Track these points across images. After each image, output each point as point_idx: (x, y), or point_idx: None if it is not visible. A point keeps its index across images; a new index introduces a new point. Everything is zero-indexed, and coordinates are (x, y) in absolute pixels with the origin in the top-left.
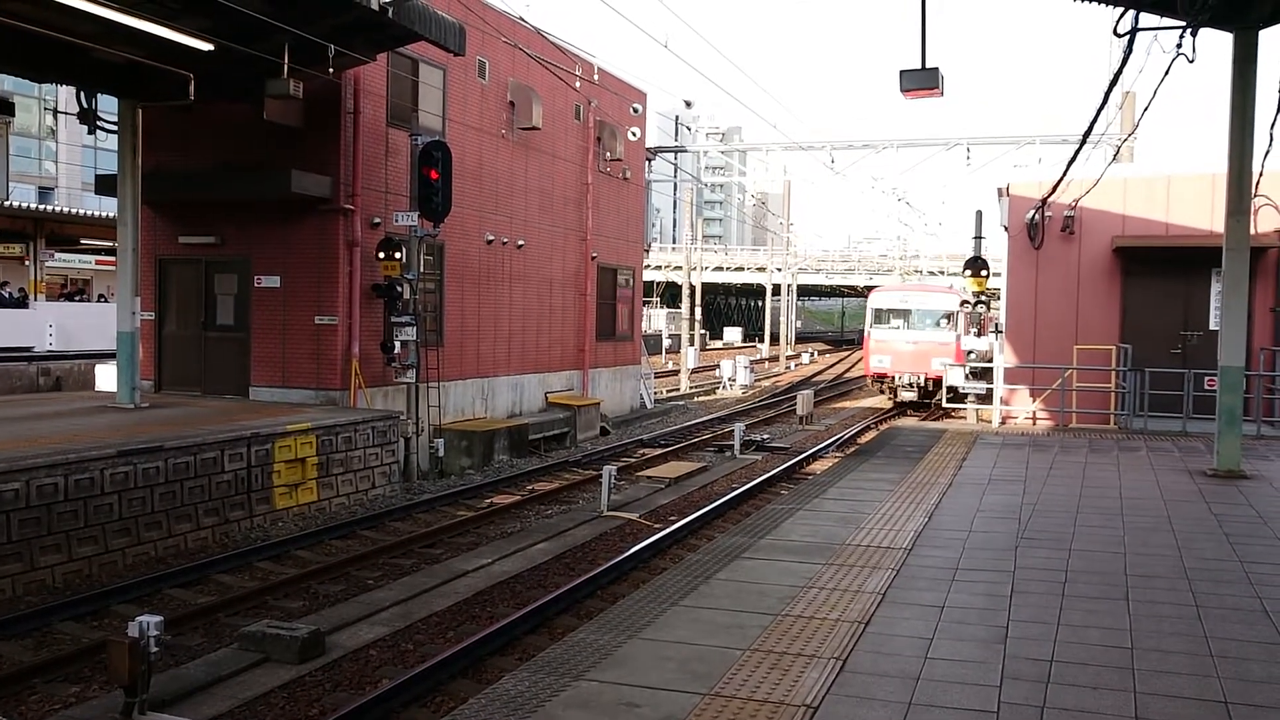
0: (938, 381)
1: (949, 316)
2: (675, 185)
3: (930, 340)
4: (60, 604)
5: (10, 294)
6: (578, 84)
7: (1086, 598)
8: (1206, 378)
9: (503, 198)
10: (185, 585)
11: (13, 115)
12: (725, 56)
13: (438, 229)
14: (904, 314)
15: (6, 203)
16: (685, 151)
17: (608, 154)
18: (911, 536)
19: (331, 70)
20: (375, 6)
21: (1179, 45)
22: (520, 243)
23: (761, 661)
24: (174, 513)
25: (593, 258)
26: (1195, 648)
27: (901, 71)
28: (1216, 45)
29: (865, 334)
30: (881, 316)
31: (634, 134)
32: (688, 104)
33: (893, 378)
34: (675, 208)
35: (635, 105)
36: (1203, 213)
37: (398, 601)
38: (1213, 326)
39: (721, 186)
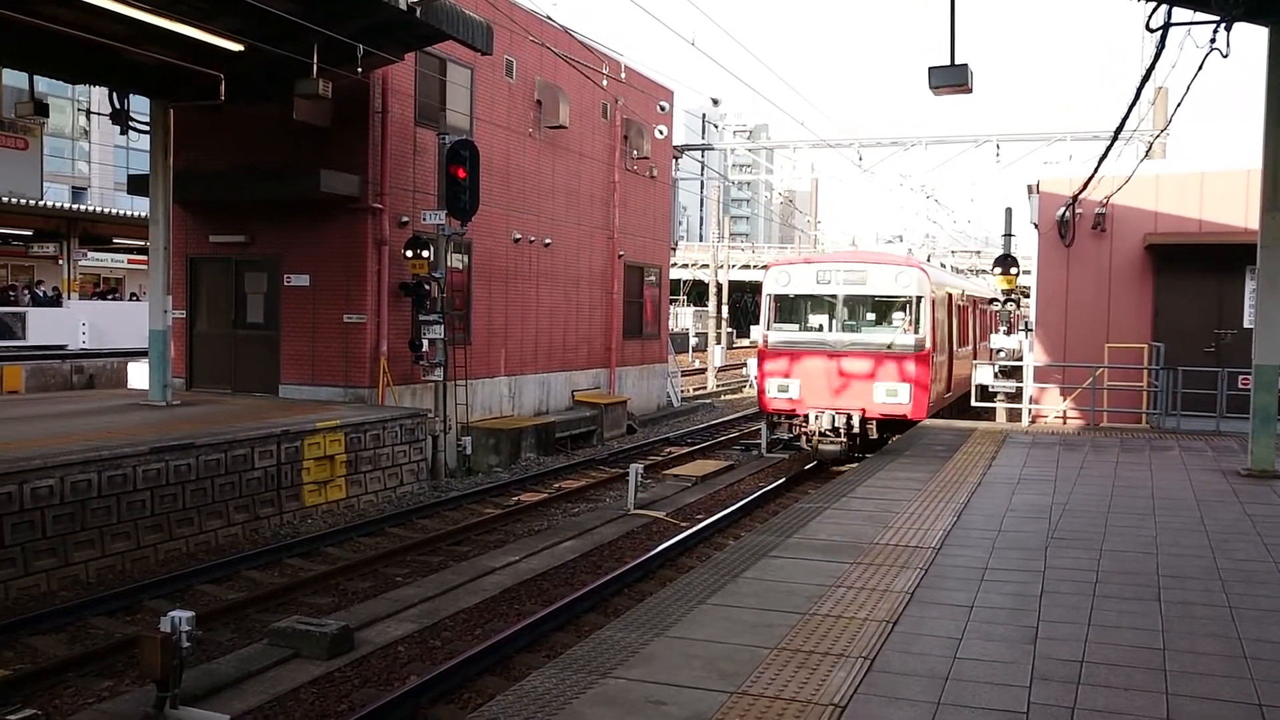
0: (885, 422)
1: (909, 307)
2: (702, 183)
3: (871, 348)
4: (93, 599)
5: (44, 293)
6: (605, 82)
7: (1118, 598)
8: (1240, 376)
9: (530, 196)
10: (216, 581)
11: (47, 117)
12: (752, 54)
13: (465, 228)
14: (825, 303)
15: (41, 203)
16: (712, 149)
17: (634, 152)
18: (940, 536)
19: (360, 70)
20: (403, 6)
21: (1213, 40)
22: (547, 241)
23: (789, 660)
24: (205, 509)
25: (619, 256)
26: (1229, 649)
27: (930, 68)
28: (1252, 40)
29: (761, 338)
30: (786, 309)
31: (661, 132)
32: (715, 102)
33: (805, 418)
34: (702, 206)
35: (662, 103)
36: (1237, 209)
37: (426, 598)
38: (1247, 324)
39: (749, 184)
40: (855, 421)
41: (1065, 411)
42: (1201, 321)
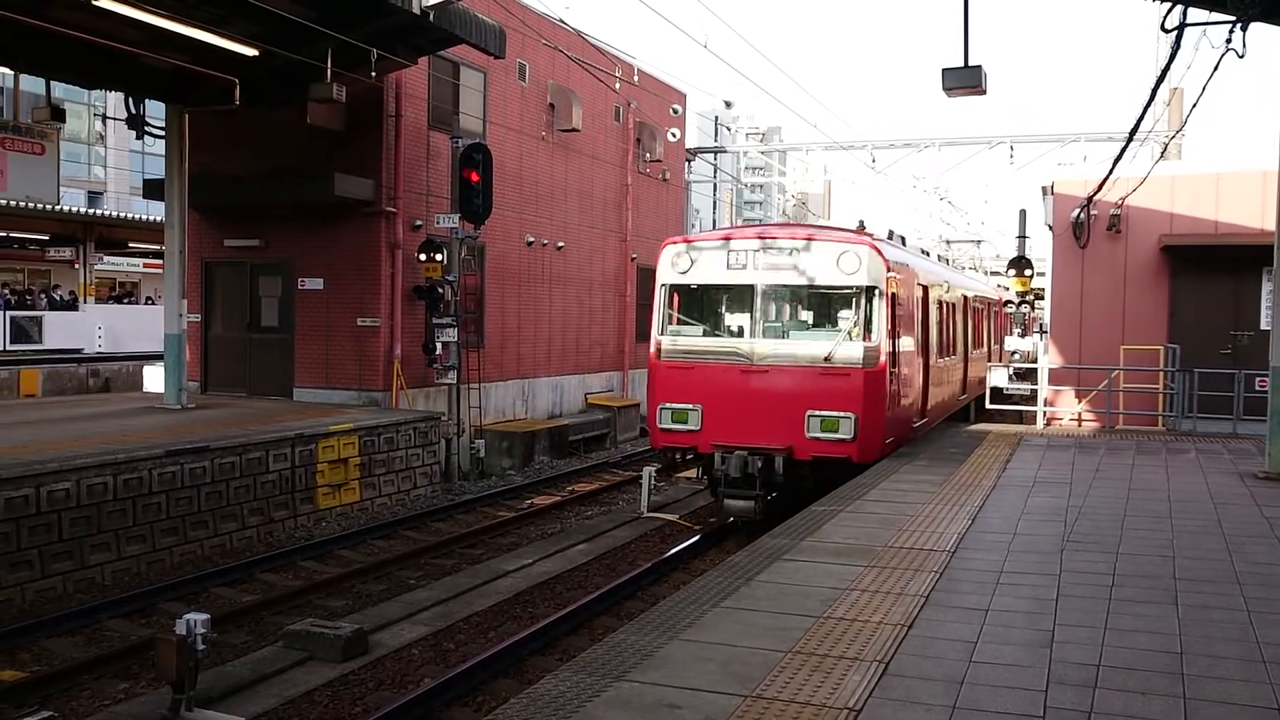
0: (822, 465)
1: (857, 301)
2: (715, 186)
3: (802, 361)
4: (109, 601)
5: (61, 297)
6: (617, 85)
7: (1134, 601)
8: (1257, 378)
9: (543, 200)
10: (231, 584)
11: (63, 122)
12: (765, 56)
13: (478, 231)
14: (741, 297)
15: (57, 207)
16: (725, 152)
17: (647, 155)
18: (955, 539)
19: (374, 74)
20: (417, 10)
21: (1228, 40)
22: (560, 244)
23: (803, 664)
24: (220, 512)
25: (632, 259)
26: (1247, 653)
27: (944, 70)
28: (1268, 40)
29: (653, 345)
30: (686, 305)
31: (673, 135)
32: (727, 104)
33: (711, 455)
34: (715, 208)
35: (675, 106)
36: (1253, 210)
37: (439, 601)
38: (1264, 326)
39: (761, 187)
40: (779, 465)
41: (1080, 414)
42: (1218, 323)
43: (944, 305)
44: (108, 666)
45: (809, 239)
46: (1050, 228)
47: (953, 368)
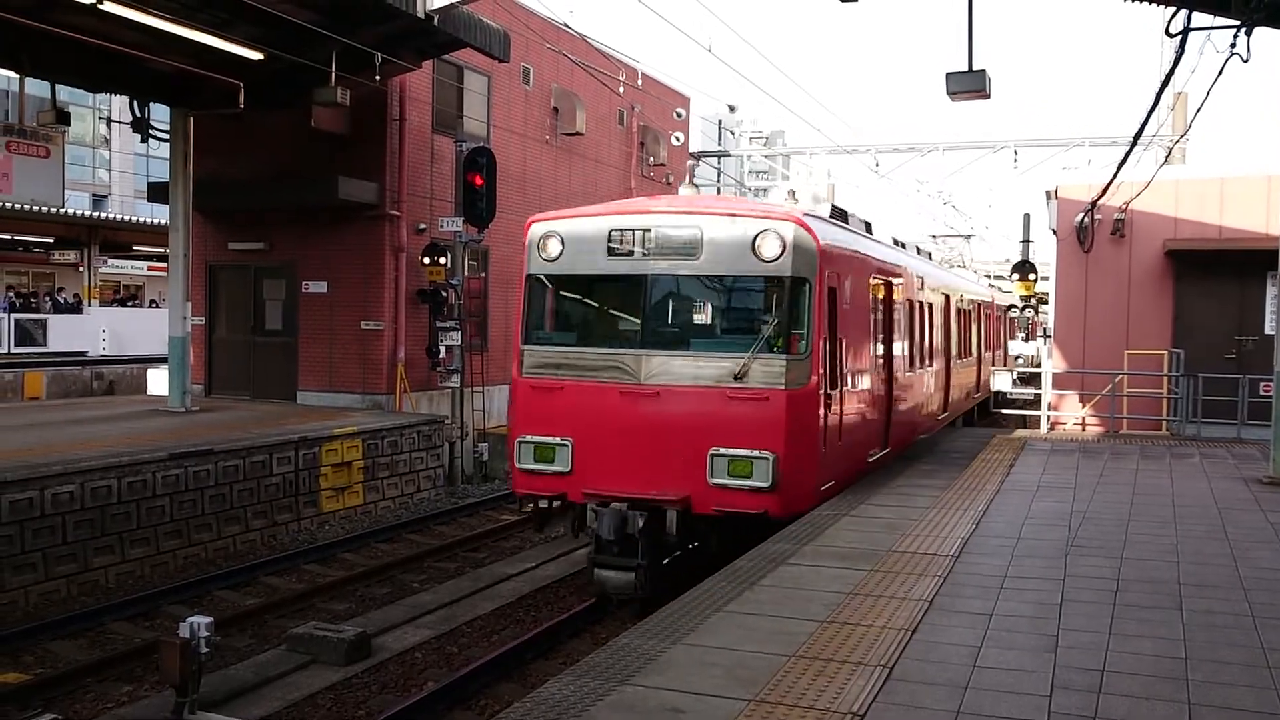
0: (730, 522)
1: (781, 297)
2: (718, 189)
3: (704, 381)
4: (113, 604)
5: (65, 300)
6: (621, 89)
7: (1139, 606)
8: (1262, 383)
9: (547, 203)
10: (234, 587)
11: (68, 125)
12: (769, 60)
13: (482, 234)
14: (626, 293)
15: (62, 210)
16: (728, 156)
17: (651, 159)
18: (959, 543)
19: (378, 78)
20: (421, 14)
21: (1233, 44)
22: None
23: (807, 668)
24: (223, 515)
25: None
26: (1252, 659)
27: (948, 74)
28: (1273, 44)
29: (515, 360)
30: (556, 303)
31: (677, 139)
32: (731, 108)
33: (585, 507)
34: None
35: (678, 110)
36: (1258, 215)
37: (442, 605)
38: (1268, 331)
39: (765, 191)
40: (671, 522)
41: (1084, 418)
42: (1222, 328)
43: (917, 306)
44: (111, 669)
45: (717, 214)
46: (1054, 232)
47: (928, 382)
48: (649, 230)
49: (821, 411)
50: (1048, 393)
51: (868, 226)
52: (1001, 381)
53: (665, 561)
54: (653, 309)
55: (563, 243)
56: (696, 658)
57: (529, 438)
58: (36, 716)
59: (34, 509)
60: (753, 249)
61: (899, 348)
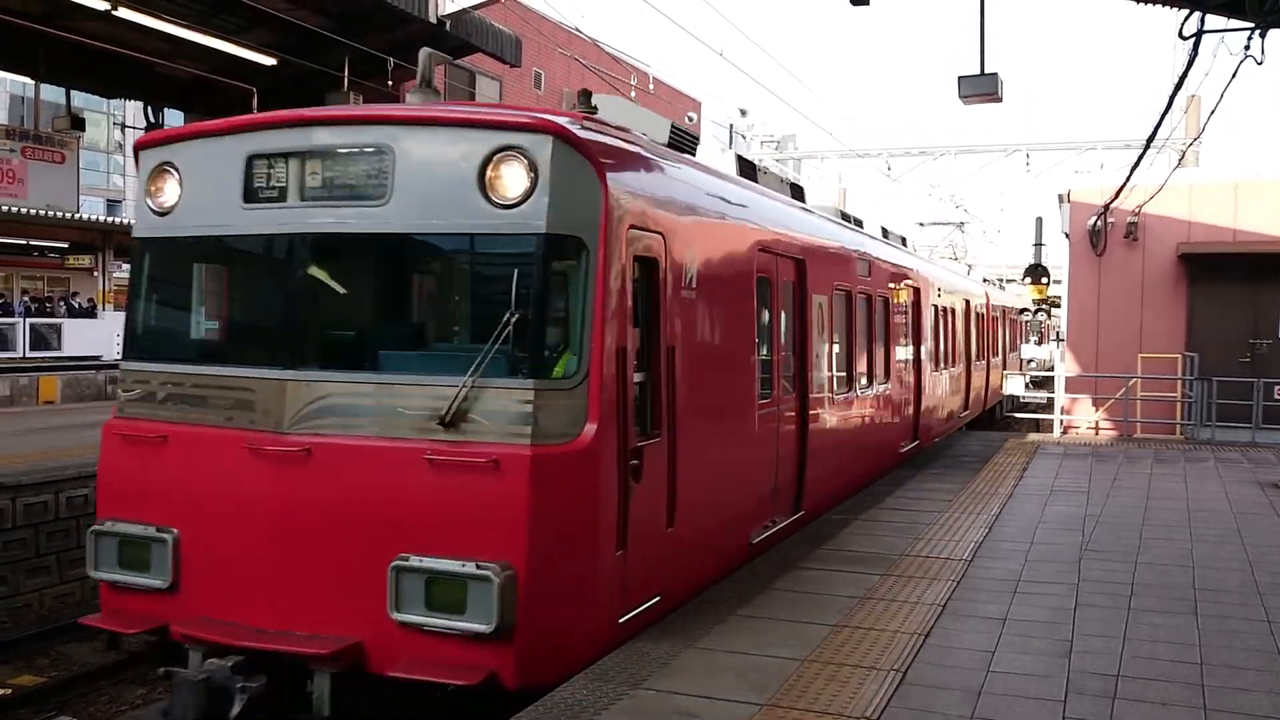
0: (430, 690)
1: (530, 275)
2: None
3: (390, 426)
4: None
5: (80, 304)
6: (633, 93)
7: (1154, 611)
8: (1276, 387)
9: None
10: None
11: (83, 131)
12: (781, 64)
13: None
14: (271, 265)
15: (77, 215)
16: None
17: None
18: (972, 547)
19: (390, 83)
20: (434, 19)
21: (1247, 47)
22: None
23: (820, 672)
24: None
25: None
26: (1268, 664)
27: (960, 78)
28: None
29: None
30: (180, 284)
31: None
32: (742, 112)
33: (187, 654)
34: None
35: (690, 114)
36: (1272, 218)
37: None
38: None
39: None
40: (320, 693)
41: (1097, 422)
42: (1236, 332)
43: (862, 301)
44: (125, 672)
45: (420, 121)
46: (1067, 235)
47: (877, 404)
48: (308, 155)
49: (619, 485)
50: (1060, 396)
51: (795, 190)
52: (1013, 385)
53: None
54: (304, 298)
55: (181, 182)
56: (709, 662)
57: (112, 526)
58: (51, 719)
59: (49, 512)
60: (480, 183)
61: (829, 358)
